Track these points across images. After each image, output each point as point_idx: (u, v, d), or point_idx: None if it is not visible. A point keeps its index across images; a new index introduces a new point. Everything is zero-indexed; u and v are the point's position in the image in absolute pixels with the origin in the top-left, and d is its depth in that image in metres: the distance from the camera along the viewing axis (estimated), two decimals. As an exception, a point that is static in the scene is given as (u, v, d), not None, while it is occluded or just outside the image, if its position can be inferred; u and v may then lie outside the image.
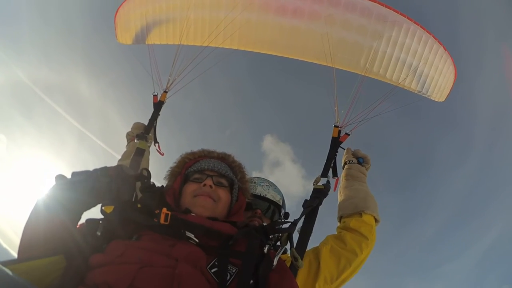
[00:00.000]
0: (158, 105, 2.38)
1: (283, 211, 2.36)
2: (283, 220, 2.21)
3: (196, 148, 1.85)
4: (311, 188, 1.95)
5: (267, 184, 2.38)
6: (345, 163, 2.26)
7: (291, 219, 1.64)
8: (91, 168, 1.31)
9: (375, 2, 2.72)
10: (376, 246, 1.80)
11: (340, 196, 2.05)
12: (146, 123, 2.41)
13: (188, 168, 1.73)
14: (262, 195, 2.26)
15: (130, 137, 2.38)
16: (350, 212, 1.86)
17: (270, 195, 2.30)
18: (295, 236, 1.55)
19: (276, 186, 2.41)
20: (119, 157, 2.27)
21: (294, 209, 1.64)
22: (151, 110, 2.44)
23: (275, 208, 2.28)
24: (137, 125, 2.41)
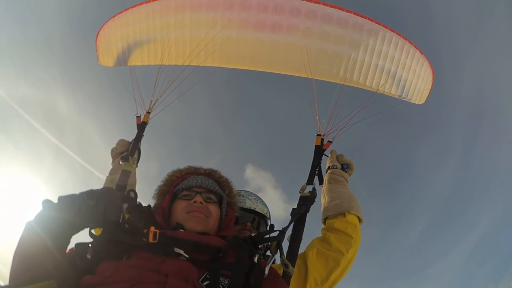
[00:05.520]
0: (141, 126, 2.40)
1: (269, 223, 2.43)
2: (270, 230, 2.27)
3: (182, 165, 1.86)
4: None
5: (255, 197, 2.46)
6: (328, 168, 2.30)
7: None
8: (76, 192, 1.31)
9: (351, 12, 2.80)
10: (364, 251, 1.84)
11: (323, 199, 2.10)
12: (128, 139, 2.41)
13: (176, 186, 1.75)
14: (251, 208, 2.34)
15: (114, 154, 2.40)
16: (334, 213, 1.91)
17: (259, 208, 2.39)
18: (285, 244, 1.57)
19: (262, 199, 2.49)
20: (97, 173, 2.33)
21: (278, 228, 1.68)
22: (130, 123, 2.46)
23: (260, 219, 2.37)
24: (121, 143, 2.41)
